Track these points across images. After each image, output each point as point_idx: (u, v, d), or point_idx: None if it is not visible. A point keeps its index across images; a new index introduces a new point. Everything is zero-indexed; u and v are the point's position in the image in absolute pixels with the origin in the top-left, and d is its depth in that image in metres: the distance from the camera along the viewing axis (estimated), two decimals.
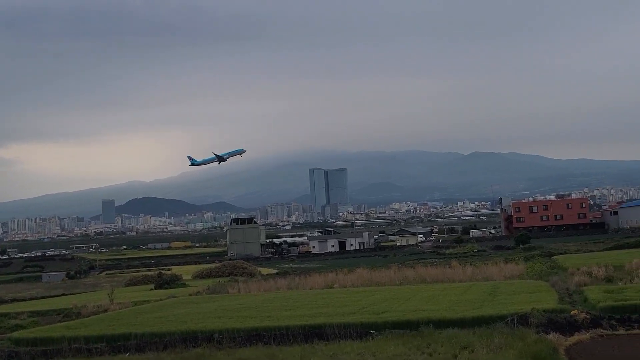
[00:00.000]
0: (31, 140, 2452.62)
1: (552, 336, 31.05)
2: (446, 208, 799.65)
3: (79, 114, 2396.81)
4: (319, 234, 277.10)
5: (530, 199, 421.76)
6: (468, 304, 41.99)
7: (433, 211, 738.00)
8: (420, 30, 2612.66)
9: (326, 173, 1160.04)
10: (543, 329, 32.54)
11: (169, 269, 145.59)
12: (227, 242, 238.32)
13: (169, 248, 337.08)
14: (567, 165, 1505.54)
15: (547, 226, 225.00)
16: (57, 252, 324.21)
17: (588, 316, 34.47)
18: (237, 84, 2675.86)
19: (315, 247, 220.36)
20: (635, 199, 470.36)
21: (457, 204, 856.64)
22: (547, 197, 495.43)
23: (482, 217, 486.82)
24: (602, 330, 32.51)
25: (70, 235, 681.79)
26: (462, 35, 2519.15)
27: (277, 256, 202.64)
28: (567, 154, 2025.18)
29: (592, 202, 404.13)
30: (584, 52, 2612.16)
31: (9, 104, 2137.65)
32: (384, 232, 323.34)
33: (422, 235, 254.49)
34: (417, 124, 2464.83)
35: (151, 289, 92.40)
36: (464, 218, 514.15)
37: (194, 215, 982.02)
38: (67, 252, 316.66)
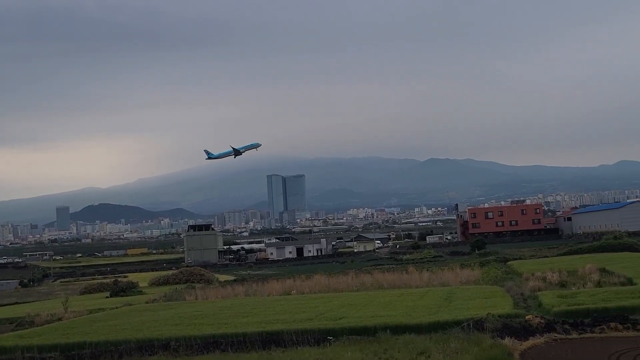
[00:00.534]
0: None
1: (507, 341, 31.51)
2: (403, 214, 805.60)
3: (38, 120, 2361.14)
4: (277, 240, 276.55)
5: (486, 205, 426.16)
6: (425, 310, 42.35)
7: (390, 217, 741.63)
8: (378, 37, 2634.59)
9: (284, 179, 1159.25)
10: (498, 334, 32.97)
11: (125, 277, 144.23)
12: (184, 249, 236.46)
13: (125, 255, 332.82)
14: (522, 171, 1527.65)
15: (502, 232, 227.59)
16: (10, 260, 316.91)
17: (542, 321, 35.02)
18: (194, 91, 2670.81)
19: (272, 254, 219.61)
20: (589, 205, 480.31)
21: (414, 210, 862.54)
22: (502, 203, 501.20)
23: (439, 223, 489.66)
24: (555, 335, 33.07)
25: (24, 242, 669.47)
26: (421, 44, 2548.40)
27: (234, 263, 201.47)
28: (522, 161, 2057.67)
29: (546, 208, 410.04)
30: (537, 62, 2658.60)
31: None
32: (341, 238, 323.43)
33: (379, 242, 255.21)
34: (375, 131, 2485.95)
35: (107, 297, 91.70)
36: (421, 224, 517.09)
37: (151, 221, 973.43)
38: (20, 260, 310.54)
